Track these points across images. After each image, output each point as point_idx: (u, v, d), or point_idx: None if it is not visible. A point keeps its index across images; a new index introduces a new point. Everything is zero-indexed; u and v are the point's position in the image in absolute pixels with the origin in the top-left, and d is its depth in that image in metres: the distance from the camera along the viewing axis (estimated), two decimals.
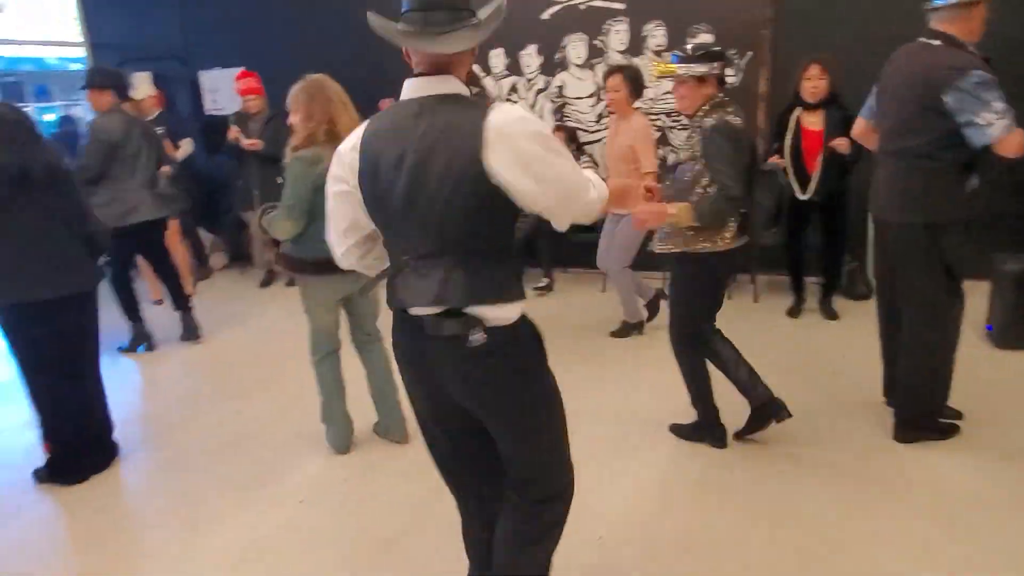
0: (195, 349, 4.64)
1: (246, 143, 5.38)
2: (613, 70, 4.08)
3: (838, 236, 4.41)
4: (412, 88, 1.56)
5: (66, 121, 7.82)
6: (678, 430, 3.11)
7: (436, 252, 1.54)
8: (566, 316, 4.83)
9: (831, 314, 4.53)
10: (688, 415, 3.08)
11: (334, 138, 2.56)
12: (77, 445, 3.00)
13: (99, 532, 2.69)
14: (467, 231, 1.52)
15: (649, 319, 4.47)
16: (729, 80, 5.12)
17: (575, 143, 5.48)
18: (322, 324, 3.00)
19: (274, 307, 5.40)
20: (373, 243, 1.75)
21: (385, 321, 1.94)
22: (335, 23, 5.93)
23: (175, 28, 6.69)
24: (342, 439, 3.12)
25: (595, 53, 5.49)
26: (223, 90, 6.49)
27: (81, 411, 3.00)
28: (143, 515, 2.82)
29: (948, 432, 2.94)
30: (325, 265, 2.25)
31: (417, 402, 1.78)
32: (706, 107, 2.70)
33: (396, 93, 1.59)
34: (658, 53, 5.30)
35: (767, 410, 2.90)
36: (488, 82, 5.83)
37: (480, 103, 1.53)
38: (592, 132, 5.62)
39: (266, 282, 6.05)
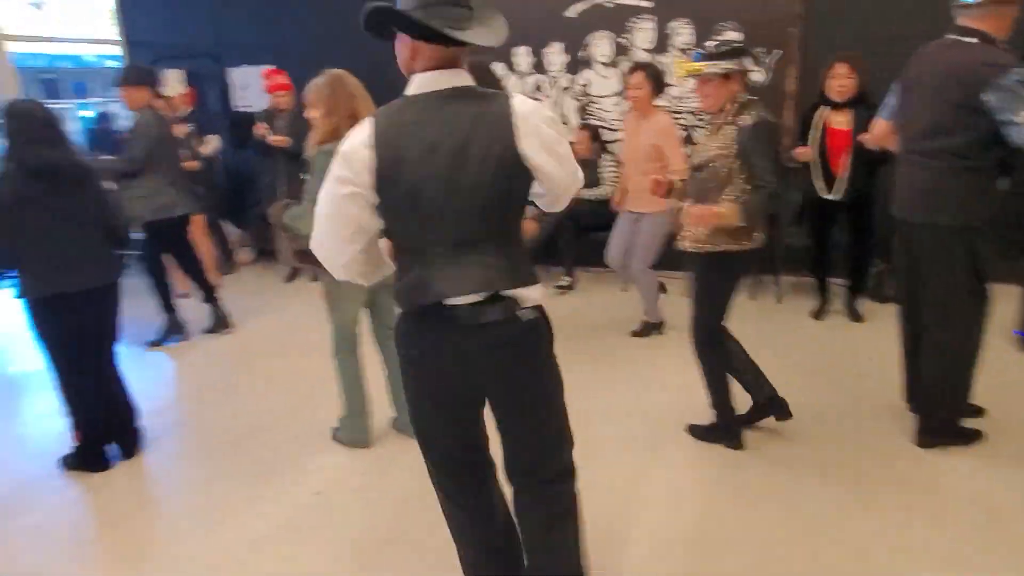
0: (220, 341, 4.72)
1: (273, 139, 5.46)
2: (635, 67, 4.06)
3: (865, 237, 4.33)
4: (426, 82, 1.57)
5: (102, 118, 8.00)
6: (695, 431, 3.10)
7: (476, 239, 1.58)
8: (587, 315, 4.82)
9: (856, 316, 4.46)
10: (705, 416, 3.06)
11: None
12: (101, 433, 3.08)
13: (121, 518, 2.75)
14: (504, 215, 1.60)
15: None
16: (757, 79, 5.08)
17: (599, 142, 5.47)
18: (347, 319, 3.02)
19: (298, 302, 5.47)
20: (372, 248, 1.73)
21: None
22: None
23: (208, 26, 6.80)
24: (364, 434, 3.14)
25: (620, 51, 5.46)
26: (252, 87, 6.59)
27: (102, 400, 3.08)
28: (165, 502, 2.88)
29: (971, 437, 2.88)
30: None
31: (433, 405, 1.74)
32: (734, 105, 2.68)
33: None
34: (684, 51, 5.25)
35: (769, 407, 2.97)
36: (513, 80, 5.84)
37: (497, 93, 1.60)
38: (616, 131, 5.59)
39: (291, 277, 6.12)
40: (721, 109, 2.71)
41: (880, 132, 3.03)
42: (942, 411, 2.86)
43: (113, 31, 7.17)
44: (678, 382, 3.61)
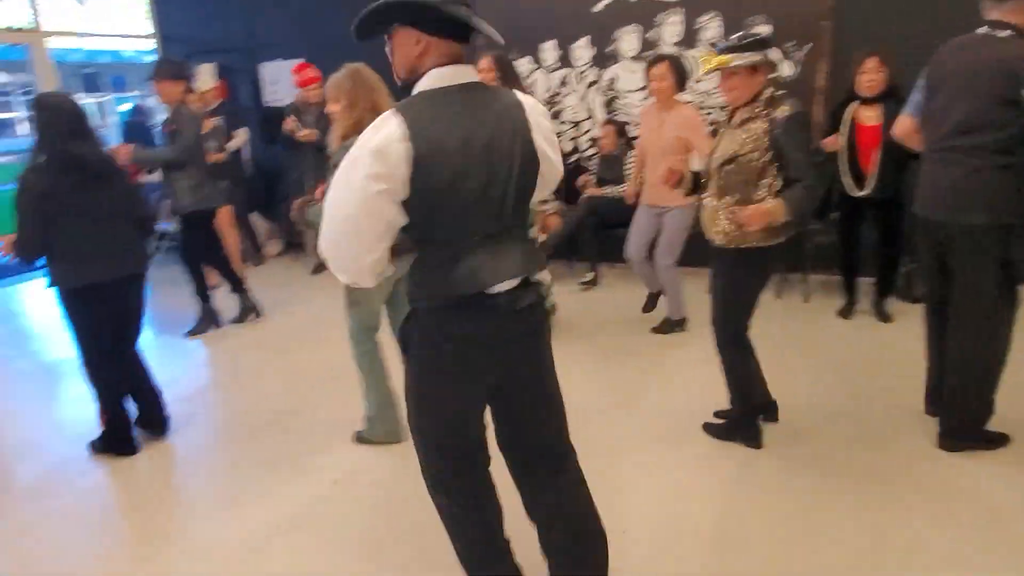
0: (249, 331, 4.81)
1: (302, 133, 5.53)
2: (658, 58, 4.01)
3: (895, 235, 4.24)
4: (444, 77, 1.58)
5: (137, 111, 8.16)
6: (711, 429, 3.07)
7: (507, 227, 1.64)
8: (610, 311, 4.79)
9: (884, 316, 4.38)
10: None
11: None
12: (127, 418, 3.16)
13: (145, 501, 2.83)
14: (524, 204, 1.68)
15: (647, 310, 4.53)
16: (787, 73, 5.00)
17: (624, 138, 5.43)
18: (372, 313, 2.99)
19: (324, 294, 5.53)
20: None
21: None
22: None
23: (240, 21, 6.90)
24: (398, 425, 3.09)
25: (648, 46, 5.42)
26: (283, 81, 6.68)
27: (128, 386, 3.17)
28: (188, 487, 2.95)
29: (996, 442, 2.82)
30: None
31: (458, 398, 1.73)
32: (762, 99, 2.63)
33: None
34: (714, 46, 5.19)
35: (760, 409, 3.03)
36: (539, 75, 5.83)
37: (501, 89, 1.66)
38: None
39: (317, 269, 6.20)
40: (747, 103, 2.67)
41: (904, 130, 2.93)
42: (968, 414, 2.80)
43: (148, 26, 7.31)
44: (700, 379, 3.58)
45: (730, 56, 2.61)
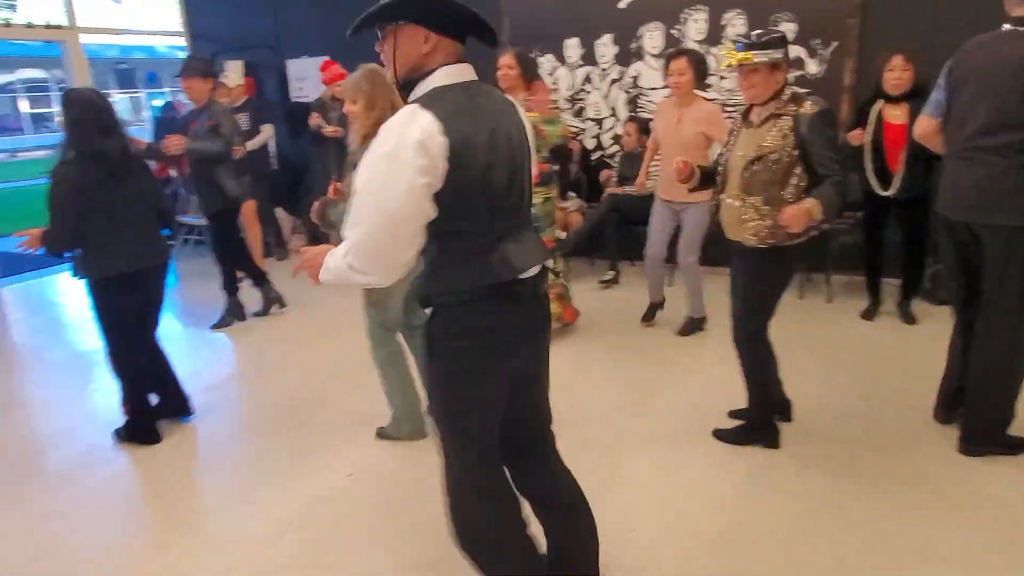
0: (271, 325, 4.88)
1: (327, 130, 5.60)
2: (678, 53, 3.98)
3: (920, 235, 4.18)
4: (455, 74, 1.61)
5: (168, 107, 8.31)
6: (723, 435, 3.03)
7: (526, 216, 1.73)
8: (630, 310, 4.77)
9: (909, 318, 4.32)
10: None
11: None
12: (150, 407, 3.25)
13: (166, 489, 2.90)
14: (532, 194, 1.77)
15: (645, 320, 4.50)
16: (813, 71, 4.94)
17: (647, 135, 5.40)
18: (394, 310, 2.96)
19: (347, 288, 5.58)
20: None
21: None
22: None
23: (268, 18, 6.99)
24: (423, 423, 3.07)
25: (672, 43, 5.38)
26: (310, 78, 6.75)
27: (151, 375, 3.26)
28: (208, 476, 3.02)
29: (1018, 447, 2.77)
30: None
31: (494, 385, 1.71)
32: (783, 97, 2.61)
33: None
34: (734, 43, 5.14)
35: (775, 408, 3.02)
36: (563, 71, 5.83)
37: (495, 88, 1.76)
38: None
39: None
40: (766, 101, 2.65)
41: (924, 131, 2.85)
42: (990, 419, 2.75)
43: (178, 23, 7.44)
44: (717, 378, 3.57)
45: (751, 53, 2.59)
